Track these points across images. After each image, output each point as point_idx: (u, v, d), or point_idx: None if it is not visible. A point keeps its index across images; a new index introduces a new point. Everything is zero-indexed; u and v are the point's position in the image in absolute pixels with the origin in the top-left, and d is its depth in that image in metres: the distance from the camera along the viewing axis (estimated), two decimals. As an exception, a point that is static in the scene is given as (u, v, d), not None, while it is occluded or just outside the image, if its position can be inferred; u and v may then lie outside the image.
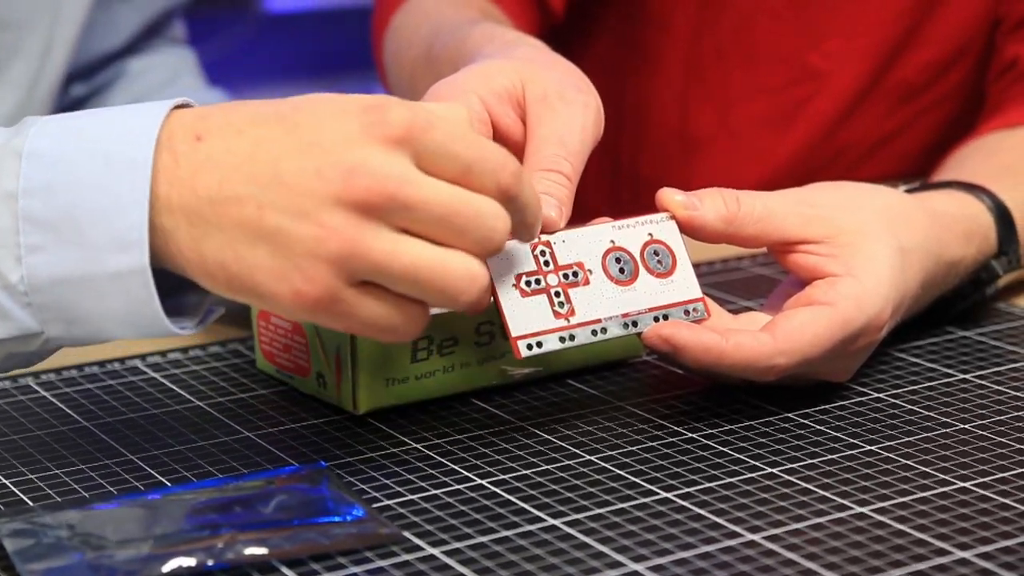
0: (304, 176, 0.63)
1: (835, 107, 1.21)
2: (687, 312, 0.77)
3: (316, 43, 3.10)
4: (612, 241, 0.77)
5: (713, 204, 0.79)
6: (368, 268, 0.64)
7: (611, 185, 1.28)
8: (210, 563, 0.64)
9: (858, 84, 1.20)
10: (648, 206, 1.08)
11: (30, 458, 0.75)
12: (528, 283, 0.74)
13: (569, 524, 0.68)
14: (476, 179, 0.65)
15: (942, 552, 0.65)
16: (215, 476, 0.73)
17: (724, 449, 0.75)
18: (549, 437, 0.77)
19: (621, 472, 0.73)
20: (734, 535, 0.67)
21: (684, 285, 0.78)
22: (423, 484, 0.72)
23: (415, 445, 0.77)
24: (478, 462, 0.75)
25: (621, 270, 0.77)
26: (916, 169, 1.22)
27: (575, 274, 0.76)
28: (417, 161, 0.64)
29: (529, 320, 0.74)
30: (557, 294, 0.75)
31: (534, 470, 0.74)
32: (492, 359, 0.82)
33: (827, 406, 0.80)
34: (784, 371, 0.76)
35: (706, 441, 0.76)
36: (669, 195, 0.79)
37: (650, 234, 0.78)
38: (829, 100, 1.21)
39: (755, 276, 1.03)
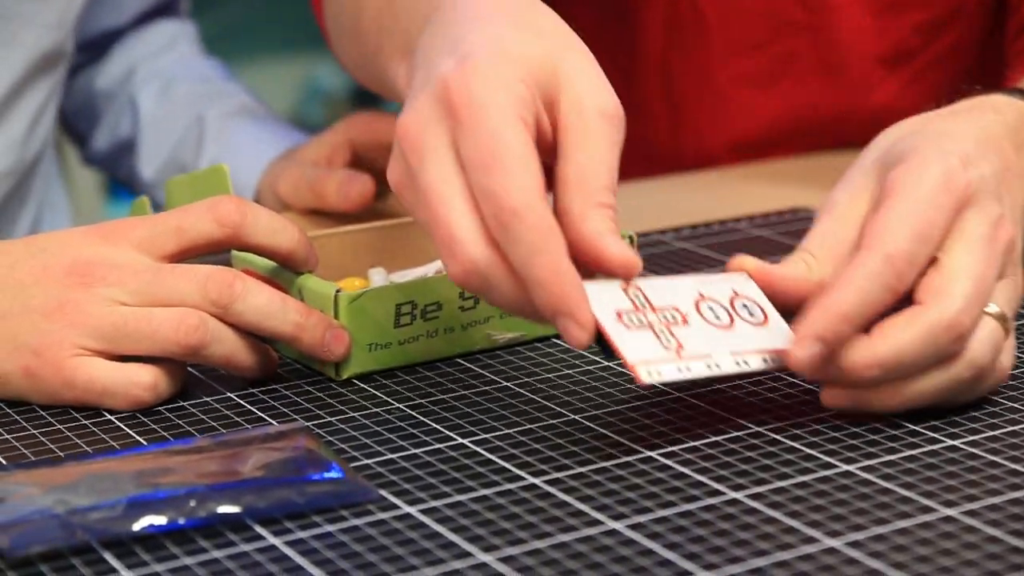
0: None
1: (823, 67, 1.19)
2: None
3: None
4: (700, 292, 0.72)
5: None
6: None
7: None
8: (181, 521, 0.63)
9: (848, 44, 1.18)
10: (634, 166, 1.07)
11: (7, 418, 0.74)
12: (630, 319, 0.69)
13: (549, 483, 0.67)
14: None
15: (927, 509, 0.63)
16: (194, 436, 0.72)
17: (712, 409, 0.74)
18: (534, 397, 0.76)
19: (605, 431, 0.72)
20: (716, 493, 0.65)
21: (783, 334, 0.72)
22: (403, 443, 0.71)
23: (398, 405, 0.76)
24: (461, 421, 0.73)
25: (717, 316, 0.71)
26: None
27: (673, 317, 0.70)
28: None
29: (641, 348, 0.68)
30: (661, 332, 0.69)
31: (517, 429, 0.72)
32: (476, 323, 0.81)
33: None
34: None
35: (695, 400, 0.75)
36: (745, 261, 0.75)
37: (734, 290, 0.73)
38: (816, 59, 1.19)
39: (754, 238, 1.01)
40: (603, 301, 0.68)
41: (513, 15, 0.73)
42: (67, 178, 1.46)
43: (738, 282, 0.73)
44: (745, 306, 0.72)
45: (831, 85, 1.20)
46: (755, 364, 0.70)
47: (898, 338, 0.68)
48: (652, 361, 0.68)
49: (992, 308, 0.71)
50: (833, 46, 1.18)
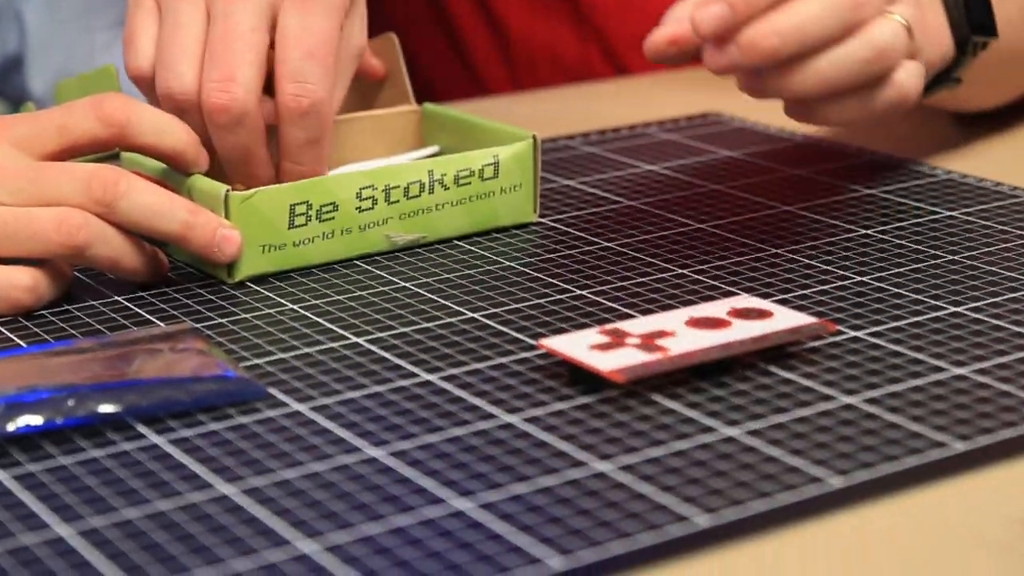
0: None
1: None
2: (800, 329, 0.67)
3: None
4: (690, 316, 0.68)
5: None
6: None
7: (503, 56, 1.23)
8: (59, 421, 0.60)
9: None
10: (541, 74, 1.03)
11: None
12: (606, 347, 0.64)
13: (445, 379, 0.65)
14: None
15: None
16: (78, 338, 0.70)
17: (612, 304, 0.72)
18: (433, 297, 0.74)
19: (504, 329, 0.70)
20: (609, 385, 0.64)
21: (789, 319, 0.67)
22: (295, 343, 0.69)
23: (291, 307, 0.73)
24: (356, 321, 0.71)
25: (709, 325, 0.67)
26: None
27: (659, 334, 0.66)
28: None
29: (619, 359, 0.63)
30: (645, 347, 0.64)
31: (413, 328, 0.70)
32: (375, 225, 0.79)
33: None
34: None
35: (593, 297, 0.73)
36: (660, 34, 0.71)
37: (732, 306, 0.68)
38: None
39: (663, 142, 0.99)
40: (574, 341, 0.65)
41: None
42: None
43: (736, 301, 0.69)
44: (746, 312, 0.67)
45: None
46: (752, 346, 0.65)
47: (799, 10, 0.65)
48: (634, 365, 0.63)
49: (898, 17, 0.70)
50: None
